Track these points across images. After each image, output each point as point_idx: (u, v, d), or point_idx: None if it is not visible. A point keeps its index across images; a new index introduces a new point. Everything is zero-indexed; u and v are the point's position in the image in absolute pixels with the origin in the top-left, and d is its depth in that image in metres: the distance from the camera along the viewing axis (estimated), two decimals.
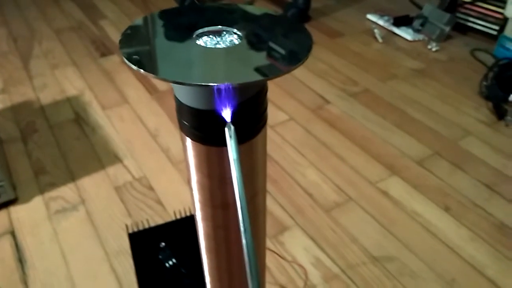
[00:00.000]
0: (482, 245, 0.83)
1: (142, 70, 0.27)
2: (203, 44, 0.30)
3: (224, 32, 0.32)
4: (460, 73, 1.36)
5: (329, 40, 1.56)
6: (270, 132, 1.11)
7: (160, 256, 0.75)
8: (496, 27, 1.48)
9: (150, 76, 0.27)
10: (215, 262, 0.41)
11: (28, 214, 0.90)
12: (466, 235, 0.85)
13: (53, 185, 0.96)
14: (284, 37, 0.31)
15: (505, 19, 1.42)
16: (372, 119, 1.16)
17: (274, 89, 1.28)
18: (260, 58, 0.29)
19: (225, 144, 0.30)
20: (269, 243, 0.83)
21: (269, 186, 0.95)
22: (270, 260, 0.80)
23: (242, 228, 0.26)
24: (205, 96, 0.29)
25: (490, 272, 0.78)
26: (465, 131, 1.12)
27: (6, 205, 0.91)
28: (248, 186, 0.36)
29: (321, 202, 0.92)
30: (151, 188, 0.96)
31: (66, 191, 0.95)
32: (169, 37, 0.31)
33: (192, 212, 0.77)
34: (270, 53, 0.30)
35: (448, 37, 1.53)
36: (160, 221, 0.87)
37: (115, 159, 1.03)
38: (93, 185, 0.96)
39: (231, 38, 0.31)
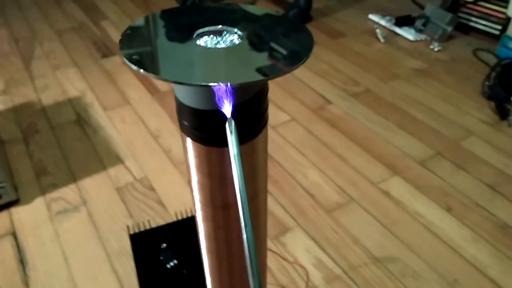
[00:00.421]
0: (484, 246, 0.83)
1: (142, 70, 0.27)
2: (203, 44, 0.30)
3: (225, 32, 0.32)
4: (463, 73, 1.36)
5: (331, 40, 1.55)
6: (271, 133, 1.11)
7: (161, 257, 0.75)
8: (499, 27, 1.47)
9: (150, 76, 0.26)
10: (215, 262, 0.41)
11: (29, 215, 0.90)
12: (468, 235, 0.85)
13: (54, 186, 0.96)
14: (285, 37, 0.31)
15: (508, 19, 1.42)
16: (373, 119, 1.16)
17: (276, 89, 1.28)
18: (261, 58, 0.29)
19: (225, 145, 0.30)
20: (270, 244, 0.83)
21: (271, 187, 0.95)
22: (271, 261, 0.80)
23: (242, 223, 0.26)
24: (206, 96, 0.29)
25: (492, 272, 0.78)
26: (468, 131, 1.12)
27: (7, 206, 0.91)
28: (249, 187, 0.36)
29: (322, 202, 0.92)
30: (152, 189, 0.96)
31: (68, 192, 0.95)
32: (169, 37, 0.31)
33: (193, 213, 0.77)
34: (271, 53, 0.29)
35: (450, 37, 1.53)
36: (161, 222, 0.87)
37: (117, 160, 1.03)
38: (95, 186, 0.96)
39: (232, 38, 0.31)
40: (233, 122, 0.27)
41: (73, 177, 0.98)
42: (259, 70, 0.27)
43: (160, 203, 0.92)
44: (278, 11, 0.35)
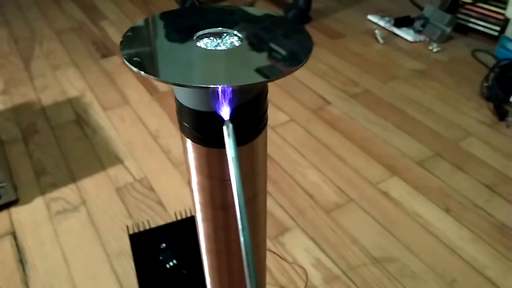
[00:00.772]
0: (483, 246, 0.83)
1: (142, 72, 0.27)
2: (203, 46, 0.30)
3: (225, 34, 0.32)
4: (461, 74, 1.36)
5: (330, 41, 1.56)
6: (270, 133, 1.11)
7: (161, 257, 0.75)
8: (497, 28, 1.48)
9: (151, 78, 0.27)
10: (215, 263, 0.41)
11: (29, 215, 0.90)
12: (466, 236, 0.85)
13: (54, 186, 0.96)
14: (284, 39, 0.31)
15: (506, 20, 1.42)
16: (372, 120, 1.16)
17: (275, 90, 1.28)
18: (260, 60, 0.29)
19: (225, 146, 0.30)
20: (269, 244, 0.84)
21: (270, 187, 0.96)
22: (270, 261, 0.80)
23: (240, 226, 0.27)
24: (206, 98, 0.29)
25: (490, 273, 0.78)
26: (466, 132, 1.12)
27: (7, 206, 0.91)
28: (249, 187, 0.36)
29: (321, 203, 0.92)
30: (151, 189, 0.96)
31: (67, 192, 0.95)
32: (169, 39, 0.31)
33: (193, 213, 0.77)
34: (270, 55, 0.30)
35: (449, 38, 1.53)
36: (160, 222, 0.87)
37: (116, 160, 1.03)
38: (94, 186, 0.96)
39: (232, 40, 0.31)
40: (230, 125, 0.27)
41: (72, 177, 0.99)
42: (259, 72, 0.27)
43: (160, 203, 0.92)
44: (277, 12, 0.35)
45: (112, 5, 1.83)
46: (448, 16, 1.48)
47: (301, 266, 0.79)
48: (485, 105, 1.22)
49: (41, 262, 0.81)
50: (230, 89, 0.26)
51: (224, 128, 0.27)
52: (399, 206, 0.91)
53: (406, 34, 1.56)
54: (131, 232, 0.80)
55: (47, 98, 1.26)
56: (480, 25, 1.53)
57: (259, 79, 0.27)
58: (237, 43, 0.31)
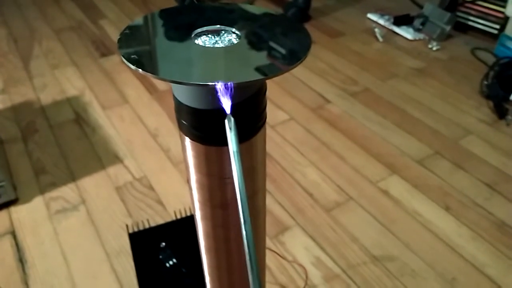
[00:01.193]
0: (483, 244, 0.83)
1: (140, 70, 0.27)
2: (201, 44, 0.30)
3: (223, 32, 0.32)
4: (461, 72, 1.36)
5: (330, 40, 1.55)
6: (270, 132, 1.11)
7: (161, 256, 0.75)
8: (497, 26, 1.47)
9: (149, 76, 0.27)
10: (214, 261, 0.41)
11: (28, 214, 0.90)
12: (466, 234, 0.85)
13: (53, 185, 0.96)
14: (283, 37, 0.31)
15: (506, 18, 1.42)
16: (372, 119, 1.16)
17: (274, 88, 1.28)
18: (259, 58, 0.29)
19: (224, 144, 0.30)
20: (269, 243, 0.83)
21: (269, 186, 0.95)
22: (270, 260, 0.80)
23: (242, 220, 0.26)
24: (204, 95, 0.29)
25: (490, 271, 0.78)
26: (466, 130, 1.12)
27: (6, 205, 0.91)
28: (248, 185, 0.36)
29: (321, 201, 0.92)
30: (151, 188, 0.96)
31: (67, 191, 0.95)
32: (167, 36, 0.31)
33: (192, 212, 0.77)
34: (269, 52, 0.29)
35: (448, 36, 1.53)
36: (160, 221, 0.87)
37: (116, 159, 1.03)
38: (94, 185, 0.96)
39: (230, 37, 0.31)
40: (232, 119, 0.27)
41: (72, 176, 0.98)
42: (257, 70, 0.27)
43: (159, 202, 0.92)
44: (276, 10, 0.35)
45: (111, 4, 1.83)
46: (447, 14, 1.48)
47: (301, 265, 0.79)
48: (485, 104, 1.21)
49: (40, 261, 0.81)
50: (229, 86, 0.26)
51: (226, 122, 0.27)
52: (399, 205, 0.91)
53: (406, 33, 1.55)
54: (130, 231, 0.80)
55: (47, 97, 1.25)
56: (479, 23, 1.53)
57: (258, 76, 0.27)
58: (235, 41, 0.31)
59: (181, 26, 0.32)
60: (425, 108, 1.20)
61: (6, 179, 0.89)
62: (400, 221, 0.88)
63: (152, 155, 1.05)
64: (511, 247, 0.82)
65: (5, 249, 0.83)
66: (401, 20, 1.59)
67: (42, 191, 0.95)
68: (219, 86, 0.26)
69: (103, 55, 1.47)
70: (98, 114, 1.18)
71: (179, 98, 0.31)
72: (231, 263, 0.41)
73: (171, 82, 0.26)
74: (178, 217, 0.84)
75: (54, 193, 0.94)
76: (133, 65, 0.27)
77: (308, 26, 1.63)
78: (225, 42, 0.30)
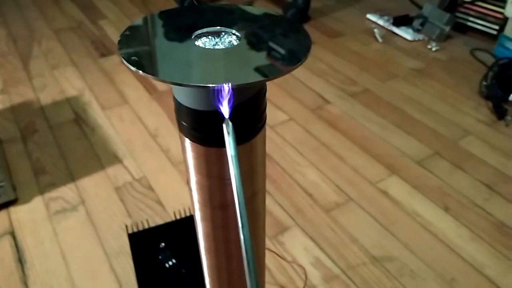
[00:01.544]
0: (482, 245, 0.83)
1: (140, 71, 0.27)
2: (201, 45, 0.30)
3: (223, 33, 0.32)
4: (460, 72, 1.36)
5: (329, 40, 1.56)
6: (269, 132, 1.11)
7: (160, 256, 0.75)
8: (496, 27, 1.48)
9: (149, 77, 0.27)
10: (214, 262, 0.41)
11: (28, 214, 0.90)
12: (465, 235, 0.85)
13: (53, 185, 0.96)
14: (283, 38, 0.31)
15: (505, 19, 1.42)
16: (372, 119, 1.16)
17: (274, 89, 1.28)
18: (259, 59, 0.29)
19: (224, 145, 0.30)
20: (269, 243, 0.84)
21: (269, 186, 0.96)
22: (270, 260, 0.80)
23: (240, 224, 0.27)
24: (204, 97, 0.29)
25: (489, 271, 0.78)
26: (465, 131, 1.12)
27: (6, 205, 0.91)
28: (248, 186, 0.36)
29: (321, 202, 0.92)
30: (151, 189, 0.96)
31: (66, 192, 0.95)
32: (167, 38, 0.31)
33: (192, 213, 0.77)
34: (269, 54, 0.30)
35: (448, 37, 1.53)
36: (160, 221, 0.87)
37: (115, 159, 1.03)
38: (93, 185, 0.96)
39: (230, 39, 0.31)
40: (230, 123, 0.27)
41: (71, 177, 0.98)
42: (257, 71, 0.27)
43: (159, 202, 0.92)
44: (276, 11, 0.35)
45: (111, 4, 1.83)
46: (447, 15, 1.48)
47: (300, 265, 0.79)
48: (484, 104, 1.22)
49: (40, 261, 0.81)
50: (229, 88, 0.26)
51: (224, 126, 0.27)
52: (399, 205, 0.91)
53: (405, 33, 1.55)
54: (130, 231, 0.80)
55: (46, 97, 1.25)
56: (479, 24, 1.53)
57: (258, 78, 0.27)
58: (235, 42, 0.31)
59: (181, 27, 0.32)
60: (424, 108, 1.20)
61: (5, 179, 0.89)
62: (400, 221, 0.88)
63: (152, 155, 1.05)
64: (510, 247, 0.82)
65: (5, 249, 0.83)
66: (401, 20, 1.60)
67: (41, 191, 0.95)
68: (219, 88, 0.26)
69: (103, 55, 1.47)
70: (97, 114, 1.18)
71: (179, 100, 0.31)
72: (231, 264, 0.41)
73: (171, 83, 0.26)
74: (178, 217, 0.84)
75: (54, 193, 0.94)
76: (133, 66, 0.27)
77: (307, 27, 1.64)
78: (225, 44, 0.31)
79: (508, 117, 1.15)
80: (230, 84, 0.26)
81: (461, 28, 1.57)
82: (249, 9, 0.35)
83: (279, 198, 0.93)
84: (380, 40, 1.54)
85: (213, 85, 0.26)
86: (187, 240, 0.77)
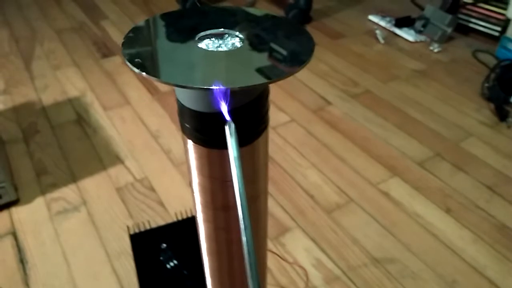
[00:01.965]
0: (483, 247, 0.83)
1: (144, 73, 0.27)
2: (205, 47, 0.30)
3: (226, 35, 0.32)
4: (462, 74, 1.36)
5: (331, 41, 1.56)
6: (271, 134, 1.11)
7: (161, 257, 0.75)
8: (498, 28, 1.47)
9: (153, 79, 0.27)
10: (216, 263, 0.41)
11: (29, 215, 0.90)
12: (467, 236, 0.85)
13: (54, 186, 0.96)
14: (286, 40, 0.31)
15: (507, 20, 1.42)
16: (373, 120, 1.16)
17: (276, 90, 1.28)
18: (262, 61, 0.29)
19: (226, 147, 0.30)
20: (270, 245, 0.84)
21: (270, 188, 0.96)
22: (271, 262, 0.80)
23: (242, 226, 0.27)
24: (207, 99, 0.29)
25: (491, 273, 0.78)
26: (467, 132, 1.12)
27: (7, 206, 0.91)
28: (250, 188, 0.36)
29: (322, 203, 0.92)
30: (152, 189, 0.96)
31: (68, 192, 0.95)
32: (171, 40, 0.31)
33: (194, 214, 0.77)
34: (272, 56, 0.30)
35: (449, 38, 1.53)
36: (161, 222, 0.87)
37: (117, 160, 1.03)
38: (95, 186, 0.96)
39: (233, 41, 0.31)
40: (233, 125, 0.27)
41: (73, 177, 0.99)
42: (260, 73, 0.27)
43: (160, 203, 0.92)
44: (278, 13, 0.35)
45: (113, 5, 1.83)
46: (449, 17, 1.48)
47: (301, 267, 0.79)
48: (485, 106, 1.21)
49: (41, 262, 0.81)
50: (232, 90, 0.26)
51: (226, 128, 0.27)
52: (400, 207, 0.91)
53: (407, 35, 1.55)
54: (131, 232, 0.80)
55: (48, 98, 1.26)
56: (481, 26, 1.53)
57: (261, 80, 0.27)
58: (238, 44, 0.31)
59: (184, 29, 0.33)
60: (426, 110, 1.20)
61: (7, 179, 0.89)
62: (401, 223, 0.88)
63: (153, 156, 1.05)
64: (511, 249, 0.82)
65: (6, 250, 0.83)
66: (402, 22, 1.60)
67: (43, 192, 0.95)
68: (222, 90, 0.26)
69: (105, 56, 1.47)
70: (99, 115, 1.19)
71: (182, 101, 0.31)
72: (233, 266, 0.41)
73: (174, 86, 0.26)
74: (179, 218, 0.84)
75: (55, 194, 0.94)
76: (137, 68, 0.27)
77: (309, 28, 1.64)
78: (228, 46, 0.31)
79: (510, 119, 1.15)
80: (232, 87, 0.26)
81: (463, 30, 1.57)
82: (251, 10, 0.36)
83: (280, 199, 0.93)
84: (382, 41, 1.54)
85: (216, 88, 0.26)
86: (188, 241, 0.77)
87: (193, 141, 0.32)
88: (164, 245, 0.77)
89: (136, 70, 0.27)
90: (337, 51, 1.49)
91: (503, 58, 1.35)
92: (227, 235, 0.38)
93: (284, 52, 0.30)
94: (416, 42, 1.53)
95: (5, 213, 0.90)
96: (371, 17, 1.69)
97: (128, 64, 0.28)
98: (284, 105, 1.22)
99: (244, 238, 0.27)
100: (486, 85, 1.25)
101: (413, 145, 1.08)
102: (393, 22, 1.61)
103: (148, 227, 0.82)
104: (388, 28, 1.61)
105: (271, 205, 0.91)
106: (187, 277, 0.72)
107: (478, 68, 1.38)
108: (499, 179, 0.98)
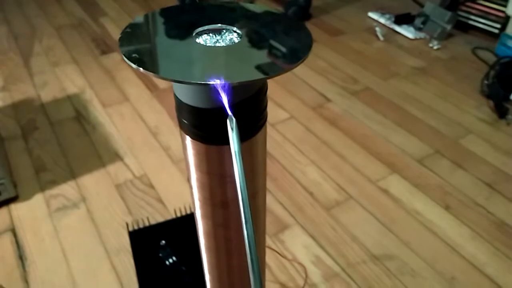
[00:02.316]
0: (482, 244, 0.83)
1: (141, 69, 0.27)
2: (202, 43, 0.30)
3: (224, 31, 0.32)
4: (462, 71, 1.36)
5: (330, 38, 1.55)
6: (270, 131, 1.11)
7: (160, 254, 0.75)
8: (498, 25, 1.47)
9: (150, 74, 0.27)
10: (214, 260, 0.41)
11: (28, 211, 0.90)
12: (466, 233, 0.85)
13: (53, 182, 0.96)
14: (284, 36, 0.31)
15: (507, 17, 1.42)
16: (372, 117, 1.16)
17: (275, 87, 1.28)
18: (260, 57, 0.29)
19: (225, 143, 0.30)
20: (269, 242, 0.84)
21: (270, 185, 0.96)
22: (270, 259, 0.80)
23: (243, 220, 0.27)
24: (205, 94, 0.29)
25: (490, 270, 0.78)
26: (466, 129, 1.12)
27: (6, 202, 0.91)
28: (249, 185, 0.36)
29: (321, 200, 0.92)
30: (151, 186, 0.96)
31: (67, 189, 0.95)
32: (168, 35, 0.31)
33: (192, 210, 0.77)
34: (270, 51, 0.29)
35: (449, 35, 1.53)
36: (160, 219, 0.87)
37: (116, 156, 1.03)
38: (94, 182, 0.96)
39: (231, 36, 0.31)
40: (234, 120, 0.27)
41: (72, 174, 0.99)
42: (258, 69, 0.27)
43: (159, 200, 0.92)
44: (277, 9, 0.35)
45: (112, 2, 1.83)
46: (448, 14, 1.48)
47: (300, 263, 0.79)
48: (485, 103, 1.21)
49: (41, 258, 0.81)
50: (230, 85, 0.26)
51: (228, 122, 0.27)
52: (399, 204, 0.91)
53: (407, 32, 1.55)
54: (130, 229, 0.80)
55: (47, 94, 1.25)
56: (480, 23, 1.53)
57: (259, 75, 0.27)
58: (236, 40, 0.31)
59: (182, 25, 0.32)
60: (425, 107, 1.20)
61: (6, 176, 0.89)
62: (400, 220, 0.88)
63: (152, 153, 1.05)
64: (511, 246, 0.82)
65: (5, 246, 0.83)
66: (402, 19, 1.59)
67: (42, 188, 0.95)
68: (220, 85, 0.26)
69: (104, 52, 1.46)
70: (98, 111, 1.18)
71: (180, 97, 0.31)
72: (231, 262, 0.41)
73: (172, 81, 0.26)
74: (178, 215, 0.84)
75: (54, 190, 0.94)
76: (134, 64, 0.27)
77: (308, 25, 1.63)
78: (226, 41, 0.30)
79: (509, 116, 1.15)
80: (231, 82, 0.26)
81: (462, 27, 1.57)
82: (250, 6, 0.35)
83: (280, 196, 0.93)
84: (381, 38, 1.54)
85: (214, 83, 0.26)
86: (187, 237, 0.77)
87: (191, 137, 0.32)
88: (163, 241, 0.77)
89: (134, 66, 0.27)
90: (337, 48, 1.49)
91: (503, 55, 1.35)
92: (225, 232, 0.38)
93: (282, 48, 0.30)
94: (415, 39, 1.53)
95: (4, 210, 0.90)
96: (371, 14, 1.69)
97: (126, 59, 0.28)
98: (283, 102, 1.22)
99: (245, 233, 0.27)
100: (486, 82, 1.25)
101: (412, 142, 1.08)
102: (393, 19, 1.60)
103: (147, 224, 0.82)
104: (388, 25, 1.61)
105: (270, 202, 0.92)
106: (186, 274, 0.72)
107: (477, 65, 1.38)
108: (498, 176, 0.98)
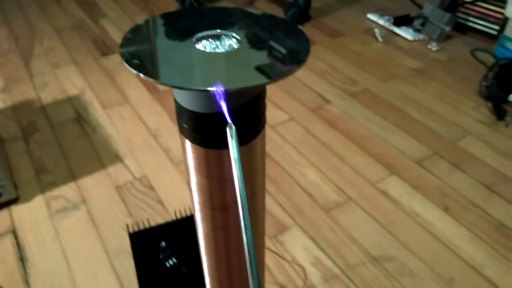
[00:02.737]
0: (481, 245, 0.83)
1: (142, 75, 0.27)
2: (202, 49, 0.31)
3: (223, 36, 0.32)
4: (460, 73, 1.36)
5: (329, 40, 1.56)
6: (270, 132, 1.11)
7: (161, 256, 0.75)
8: (496, 27, 1.48)
9: (150, 80, 0.27)
10: (214, 262, 0.42)
11: (29, 213, 0.90)
12: (465, 235, 0.85)
13: (54, 184, 0.97)
14: (282, 41, 0.32)
15: (505, 19, 1.43)
16: (372, 119, 1.17)
17: (274, 89, 1.28)
18: (258, 63, 0.29)
19: (224, 147, 0.31)
20: (269, 243, 0.84)
21: (269, 186, 0.96)
22: (269, 260, 0.81)
23: (242, 225, 0.27)
24: (205, 100, 0.29)
25: (488, 272, 0.79)
26: (465, 131, 1.12)
27: (7, 204, 0.91)
28: (248, 187, 0.36)
29: (320, 202, 0.93)
30: (151, 188, 0.96)
31: (67, 191, 0.95)
32: (168, 41, 0.32)
33: (192, 213, 0.78)
34: (268, 57, 0.30)
35: (448, 37, 1.54)
36: (160, 220, 0.88)
37: (116, 158, 1.04)
38: (94, 184, 0.97)
39: (230, 42, 0.32)
40: (233, 127, 0.28)
41: (72, 176, 0.99)
42: (256, 75, 0.28)
43: (160, 201, 0.93)
44: (277, 11, 0.36)
45: (112, 3, 1.83)
46: (447, 15, 1.48)
47: (300, 265, 0.80)
48: (484, 104, 1.22)
49: (41, 260, 0.81)
50: (229, 91, 0.26)
51: (227, 129, 0.28)
52: (398, 205, 0.92)
53: (406, 33, 1.56)
54: (131, 230, 0.81)
55: (47, 96, 1.26)
56: (479, 24, 1.53)
57: (257, 81, 0.27)
58: (235, 46, 0.31)
59: (182, 30, 0.33)
60: (424, 108, 1.21)
61: (7, 178, 0.89)
62: (399, 221, 0.88)
63: (153, 154, 1.05)
64: (509, 248, 0.83)
65: (6, 248, 0.84)
66: (401, 20, 1.60)
67: (42, 190, 0.95)
68: (219, 91, 0.26)
69: (104, 54, 1.47)
70: (98, 113, 1.19)
71: (180, 102, 0.31)
72: (231, 265, 0.41)
73: (171, 87, 0.27)
74: (178, 217, 0.84)
75: (55, 192, 0.95)
76: (135, 69, 0.28)
77: (308, 26, 1.64)
78: (226, 47, 0.31)
79: (508, 118, 1.15)
80: (230, 88, 0.26)
81: (461, 28, 1.57)
82: (248, 10, 0.36)
83: (279, 198, 0.93)
84: (380, 40, 1.54)
85: (213, 89, 0.26)
86: (187, 239, 0.78)
87: (190, 141, 0.33)
88: (163, 243, 0.77)
89: (134, 71, 0.27)
90: (336, 49, 1.49)
91: (501, 56, 1.36)
92: (225, 234, 0.39)
93: (280, 54, 0.30)
94: (414, 40, 1.54)
95: (5, 212, 0.90)
96: (370, 16, 1.69)
97: (126, 65, 0.28)
98: (282, 104, 1.22)
99: (244, 238, 0.27)
100: (484, 83, 1.26)
101: (411, 144, 1.08)
102: (392, 20, 1.61)
103: (147, 226, 0.82)
104: (387, 27, 1.62)
105: (270, 203, 0.92)
106: (186, 275, 0.72)
107: (476, 67, 1.38)
108: (496, 178, 0.98)
